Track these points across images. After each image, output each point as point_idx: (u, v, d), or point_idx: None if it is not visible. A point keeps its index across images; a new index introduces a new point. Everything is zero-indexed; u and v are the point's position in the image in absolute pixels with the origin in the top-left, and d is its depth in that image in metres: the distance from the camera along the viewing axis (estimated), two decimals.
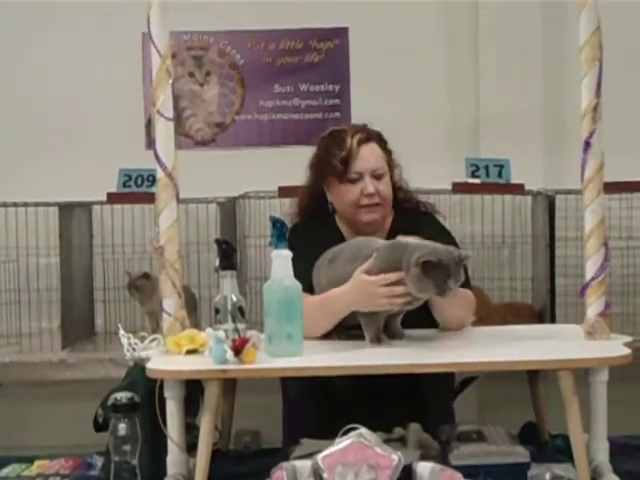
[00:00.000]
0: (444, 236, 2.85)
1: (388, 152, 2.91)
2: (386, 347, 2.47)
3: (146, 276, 3.87)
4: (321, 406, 2.78)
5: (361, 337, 2.53)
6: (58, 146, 4.36)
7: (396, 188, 2.93)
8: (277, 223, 2.43)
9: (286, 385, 2.96)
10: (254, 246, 3.97)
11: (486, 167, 3.70)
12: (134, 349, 2.43)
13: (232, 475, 2.44)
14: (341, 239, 2.83)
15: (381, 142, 2.89)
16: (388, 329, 2.54)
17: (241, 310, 2.39)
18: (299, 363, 2.31)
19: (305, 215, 2.96)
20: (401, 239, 2.53)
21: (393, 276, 2.44)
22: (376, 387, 2.60)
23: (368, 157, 2.82)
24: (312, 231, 2.84)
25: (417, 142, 4.21)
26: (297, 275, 2.37)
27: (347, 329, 2.60)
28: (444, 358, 2.37)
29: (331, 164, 2.80)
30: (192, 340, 2.40)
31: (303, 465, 2.08)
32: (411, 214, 2.92)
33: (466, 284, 2.66)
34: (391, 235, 2.82)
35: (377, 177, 2.81)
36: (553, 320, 3.78)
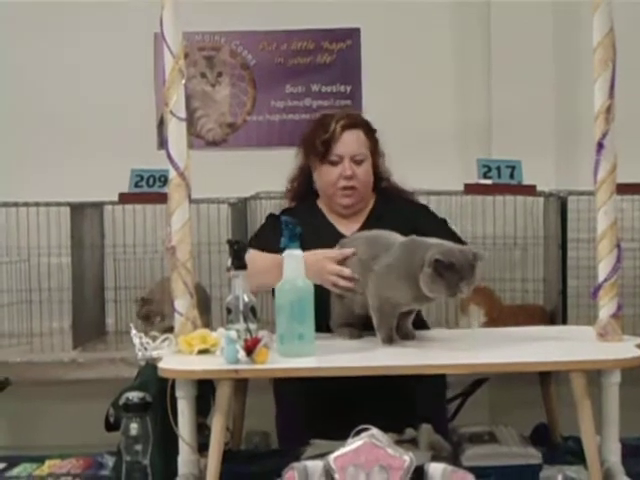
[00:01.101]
0: (437, 221, 2.98)
1: (373, 141, 3.02)
2: (398, 347, 2.46)
3: (143, 300, 3.91)
4: (313, 406, 2.80)
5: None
6: (70, 146, 4.37)
7: (379, 176, 3.04)
8: (288, 224, 2.43)
9: (277, 386, 2.98)
10: None
11: (498, 168, 3.70)
12: (146, 349, 2.43)
13: (243, 475, 2.44)
14: (324, 220, 2.98)
15: (367, 130, 3.01)
16: (400, 330, 2.53)
17: (253, 310, 2.39)
18: (311, 363, 2.30)
19: (295, 198, 3.10)
20: (418, 237, 2.50)
21: (347, 252, 2.57)
22: (367, 387, 2.58)
23: (350, 142, 2.94)
24: (296, 215, 2.85)
25: (429, 143, 4.22)
26: (265, 243, 2.64)
27: (362, 330, 2.59)
28: (456, 359, 2.36)
29: (314, 145, 2.95)
30: (204, 340, 2.39)
31: (315, 465, 2.08)
32: (394, 201, 2.99)
33: (457, 241, 2.71)
34: (370, 219, 2.95)
35: (357, 162, 2.94)
36: (565, 322, 3.77)
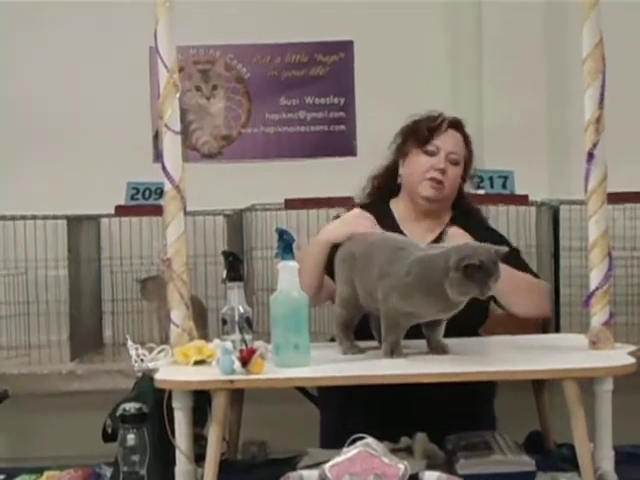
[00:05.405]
0: (510, 252, 2.80)
1: (469, 153, 3.02)
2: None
3: (153, 278, 3.93)
4: (362, 415, 2.77)
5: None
6: (66, 159, 4.38)
7: (461, 193, 3.03)
8: (283, 234, 2.44)
9: (324, 395, 3.01)
10: (261, 258, 3.99)
11: (490, 178, 3.72)
12: (142, 360, 2.44)
13: None
14: (393, 223, 2.90)
15: (467, 140, 3.02)
16: (430, 343, 2.48)
17: (248, 321, 2.41)
18: (306, 373, 2.32)
19: (372, 196, 3.04)
20: (429, 250, 2.42)
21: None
22: (418, 393, 2.48)
23: (451, 139, 2.95)
24: (370, 211, 2.76)
25: None
26: None
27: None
28: (448, 368, 2.36)
29: (419, 129, 2.96)
30: (200, 351, 2.41)
31: (310, 475, 2.09)
32: (470, 222, 2.89)
33: (527, 270, 2.81)
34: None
35: (451, 161, 2.93)
36: (557, 330, 3.78)
